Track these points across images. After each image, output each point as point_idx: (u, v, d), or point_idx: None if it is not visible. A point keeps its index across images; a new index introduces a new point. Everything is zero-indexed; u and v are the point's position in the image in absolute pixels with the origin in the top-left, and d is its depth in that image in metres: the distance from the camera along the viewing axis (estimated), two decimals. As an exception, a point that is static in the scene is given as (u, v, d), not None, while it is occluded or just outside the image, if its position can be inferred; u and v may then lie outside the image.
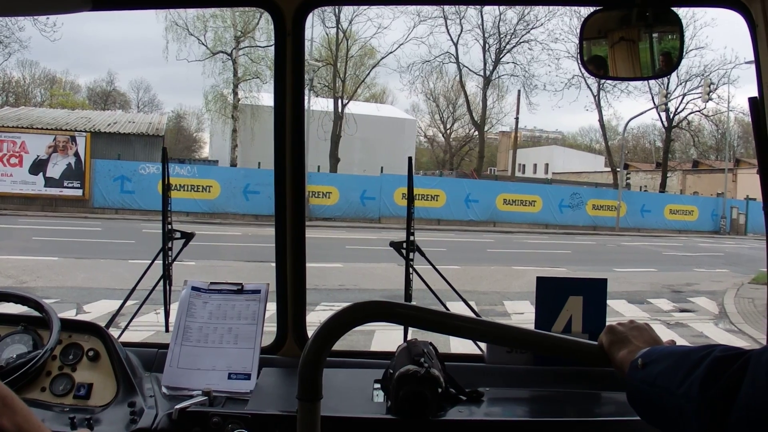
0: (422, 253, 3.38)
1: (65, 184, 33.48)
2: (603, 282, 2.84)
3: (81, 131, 34.81)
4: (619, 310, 14.08)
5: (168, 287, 3.35)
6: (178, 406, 2.37)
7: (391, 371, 2.44)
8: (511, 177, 52.90)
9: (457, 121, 69.58)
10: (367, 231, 31.35)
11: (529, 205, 40.58)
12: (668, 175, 54.59)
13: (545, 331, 2.30)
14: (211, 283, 2.81)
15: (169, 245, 3.33)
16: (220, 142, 53.67)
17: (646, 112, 53.56)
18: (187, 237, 3.39)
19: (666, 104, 49.74)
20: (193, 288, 2.79)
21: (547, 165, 77.17)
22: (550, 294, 2.81)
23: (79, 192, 33.57)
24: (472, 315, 2.73)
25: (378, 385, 2.60)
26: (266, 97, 44.08)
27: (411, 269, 3.34)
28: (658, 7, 2.43)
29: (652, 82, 46.98)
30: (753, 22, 2.56)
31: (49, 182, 33.35)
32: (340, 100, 49.03)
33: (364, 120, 50.02)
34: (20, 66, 69.55)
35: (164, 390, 2.63)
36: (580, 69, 46.38)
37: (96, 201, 33.73)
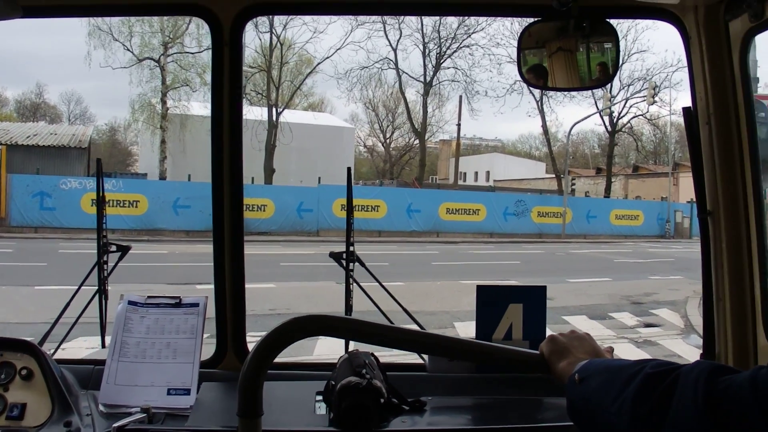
0: (363, 264, 3.49)
1: None
2: (542, 289, 2.98)
3: None
4: (583, 328, 13.81)
5: (104, 302, 3.38)
6: (115, 425, 2.40)
7: (333, 383, 2.52)
8: (453, 185, 53.22)
9: (397, 130, 70.72)
10: (305, 245, 31.10)
11: (472, 213, 40.99)
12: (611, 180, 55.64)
13: (486, 342, 2.38)
14: (149, 296, 2.84)
15: (105, 258, 3.37)
16: (149, 154, 52.92)
17: (589, 116, 54.31)
18: (123, 250, 3.45)
19: (610, 108, 50.68)
20: (130, 302, 2.82)
21: (488, 173, 78.66)
22: (491, 302, 2.94)
23: None
24: (414, 327, 2.82)
25: (320, 397, 2.67)
26: (197, 106, 43.86)
27: (351, 280, 3.44)
28: (595, 18, 2.58)
29: (595, 85, 47.82)
30: (687, 34, 2.77)
31: None
32: (274, 108, 48.91)
33: (300, 129, 50.10)
34: None
35: (101, 408, 2.65)
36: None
37: (13, 219, 32.72)
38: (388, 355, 2.67)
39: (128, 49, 44.43)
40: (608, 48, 2.60)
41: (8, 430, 2.58)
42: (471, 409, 2.87)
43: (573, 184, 49.97)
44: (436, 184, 57.87)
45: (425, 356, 3.02)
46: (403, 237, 37.77)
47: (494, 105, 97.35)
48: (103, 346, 3.24)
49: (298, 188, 39.42)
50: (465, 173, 77.16)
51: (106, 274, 3.40)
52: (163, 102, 45.06)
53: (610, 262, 28.97)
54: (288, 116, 49.96)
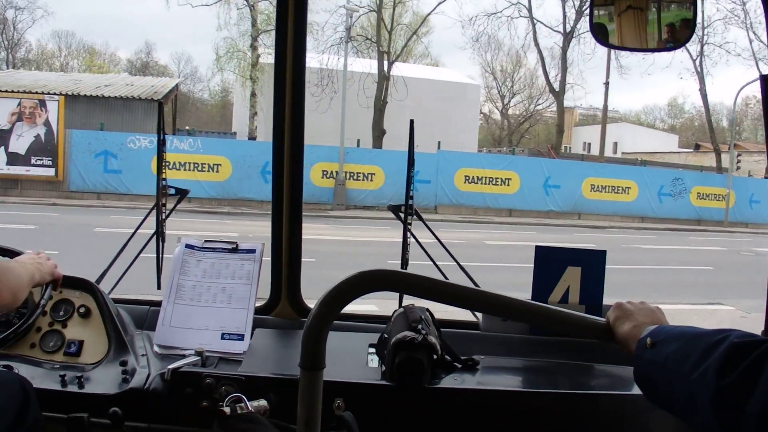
0: (421, 218, 4.04)
1: (33, 162, 32.22)
2: (602, 253, 3.44)
3: (53, 94, 33.47)
4: None
5: (161, 244, 3.99)
6: (170, 366, 2.90)
7: (386, 336, 3.01)
8: (599, 157, 51.19)
9: (516, 95, 73.14)
10: (419, 227, 27.41)
11: (622, 192, 39.15)
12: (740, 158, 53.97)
13: (553, 306, 2.57)
14: (206, 240, 3.43)
15: (163, 201, 3.98)
16: (241, 110, 52.88)
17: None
18: (182, 193, 4.06)
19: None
20: (187, 245, 3.42)
21: (615, 144, 77.48)
22: (549, 263, 3.42)
23: (50, 171, 32.34)
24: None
25: (372, 350, 3.18)
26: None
27: (409, 234, 3.97)
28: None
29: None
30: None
31: (13, 159, 32.17)
32: (386, 57, 48.22)
33: (416, 84, 49.14)
34: (56, 37, 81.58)
35: (156, 348, 3.23)
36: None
37: (72, 183, 32.70)
38: (441, 311, 3.11)
39: (212, -16, 43.98)
40: (684, 9, 2.81)
41: (66, 365, 3.16)
42: (522, 370, 3.33)
43: (738, 162, 47.75)
44: (580, 155, 56.53)
45: (479, 315, 3.55)
46: (539, 218, 36.46)
47: (642, 64, 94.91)
48: (159, 287, 3.83)
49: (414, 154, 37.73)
50: (590, 144, 76.80)
51: (164, 217, 4.01)
52: (254, 48, 44.62)
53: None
54: (402, 69, 49.00)
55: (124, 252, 4.04)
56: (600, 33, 2.90)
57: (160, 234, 4.03)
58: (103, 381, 3.04)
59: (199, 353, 3.05)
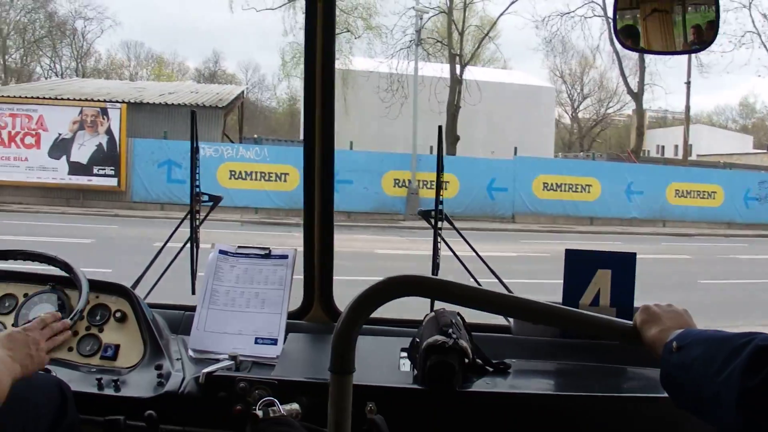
0: (451, 222, 4.15)
1: (95, 171, 32.06)
2: (632, 256, 3.54)
3: (115, 102, 33.21)
4: None
5: (195, 250, 4.19)
6: (205, 371, 3.07)
7: (418, 340, 3.14)
8: (683, 161, 50.36)
9: (586, 98, 74.36)
10: (497, 238, 26.58)
11: (707, 197, 37.77)
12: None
13: (581, 311, 2.78)
14: (239, 246, 3.62)
15: (197, 208, 4.19)
16: None
17: None
18: (215, 200, 4.26)
19: None
20: (221, 251, 3.61)
21: (690, 146, 76.92)
22: (579, 266, 3.53)
23: (112, 181, 32.23)
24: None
25: (404, 354, 3.32)
26: (360, 60, 44.55)
27: (439, 238, 4.11)
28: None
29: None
30: None
31: (74, 168, 32.02)
32: (458, 59, 47.87)
33: (489, 87, 48.53)
34: (125, 47, 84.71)
35: (191, 353, 3.42)
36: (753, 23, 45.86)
37: (135, 193, 32.58)
38: (472, 315, 3.22)
39: (276, -13, 44.16)
40: (708, 9, 2.88)
41: (102, 369, 3.36)
42: (554, 374, 3.47)
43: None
44: (661, 159, 55.75)
45: (510, 318, 3.69)
46: (622, 225, 35.39)
47: (720, 61, 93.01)
48: (193, 292, 4.04)
49: (489, 161, 37.33)
50: (663, 146, 76.79)
51: (198, 223, 4.22)
52: (321, 52, 44.14)
53: None
54: (474, 73, 48.11)
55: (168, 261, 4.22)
56: (626, 36, 2.98)
57: (194, 240, 4.23)
58: (139, 384, 3.21)
59: (232, 357, 3.19)
